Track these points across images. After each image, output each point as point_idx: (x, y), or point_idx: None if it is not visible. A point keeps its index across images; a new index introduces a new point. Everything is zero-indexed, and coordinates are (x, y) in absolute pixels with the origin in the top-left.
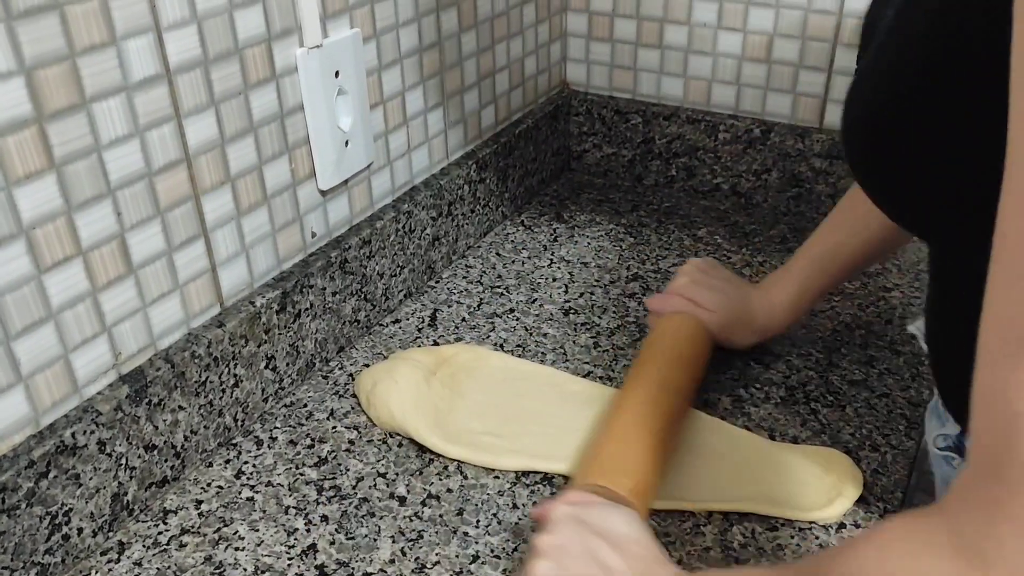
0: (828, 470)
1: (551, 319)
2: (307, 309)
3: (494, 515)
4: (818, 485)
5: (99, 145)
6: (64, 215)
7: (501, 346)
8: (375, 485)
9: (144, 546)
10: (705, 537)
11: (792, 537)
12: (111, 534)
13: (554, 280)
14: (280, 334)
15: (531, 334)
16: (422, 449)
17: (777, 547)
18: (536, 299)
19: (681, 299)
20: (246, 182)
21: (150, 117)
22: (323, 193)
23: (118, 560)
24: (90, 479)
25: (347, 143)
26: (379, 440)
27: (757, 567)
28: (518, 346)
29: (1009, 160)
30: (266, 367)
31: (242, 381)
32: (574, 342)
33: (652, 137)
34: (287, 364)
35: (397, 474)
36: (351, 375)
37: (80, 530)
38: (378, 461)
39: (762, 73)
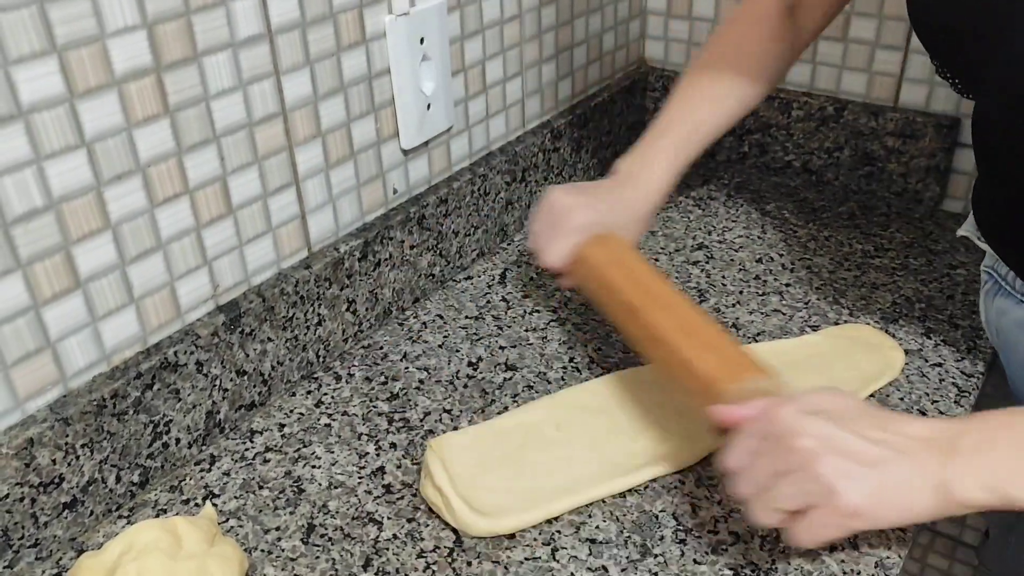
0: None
1: None
2: (386, 259)
3: None
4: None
5: (207, 95)
6: (175, 156)
7: (566, 304)
8: (440, 420)
9: (232, 459)
10: None
11: None
12: (204, 447)
13: None
14: (361, 280)
15: None
16: (485, 391)
17: None
18: None
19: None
20: (335, 137)
21: (252, 72)
22: (405, 152)
23: (209, 470)
24: (188, 395)
25: (429, 106)
26: (447, 381)
27: None
28: (581, 305)
29: None
30: (347, 310)
31: (325, 320)
32: None
33: None
34: (366, 309)
35: (461, 411)
36: (424, 323)
37: (178, 440)
38: (444, 399)
39: (838, 52)
